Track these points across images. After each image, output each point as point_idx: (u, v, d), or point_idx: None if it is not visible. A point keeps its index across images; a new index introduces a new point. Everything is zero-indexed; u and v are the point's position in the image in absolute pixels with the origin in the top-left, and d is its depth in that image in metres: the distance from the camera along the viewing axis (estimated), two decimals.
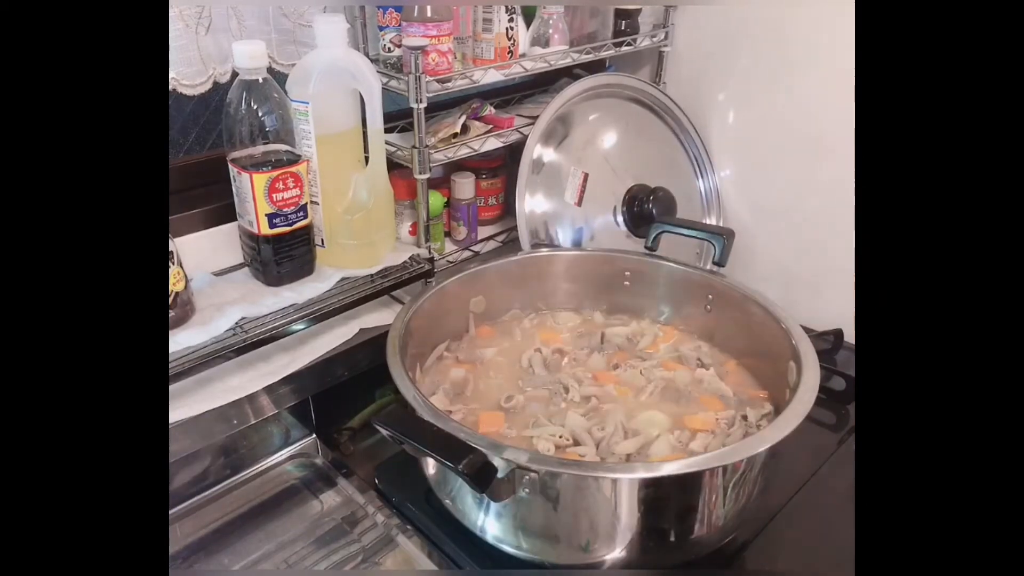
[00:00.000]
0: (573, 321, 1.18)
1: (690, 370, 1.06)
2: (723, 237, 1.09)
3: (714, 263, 1.09)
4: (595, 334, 1.14)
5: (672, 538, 0.81)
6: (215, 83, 1.10)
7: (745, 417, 0.96)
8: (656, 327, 1.17)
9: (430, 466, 0.89)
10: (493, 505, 0.80)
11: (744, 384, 1.04)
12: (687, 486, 0.79)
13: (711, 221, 1.48)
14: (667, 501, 0.79)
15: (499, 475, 0.74)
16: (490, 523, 0.84)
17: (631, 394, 1.01)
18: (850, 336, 1.28)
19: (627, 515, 0.78)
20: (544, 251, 1.22)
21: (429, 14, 1.09)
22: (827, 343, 1.27)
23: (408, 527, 0.97)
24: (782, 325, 0.97)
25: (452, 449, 0.73)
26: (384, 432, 0.77)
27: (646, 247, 1.16)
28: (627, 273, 1.18)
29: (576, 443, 0.91)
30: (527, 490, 0.76)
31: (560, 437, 0.91)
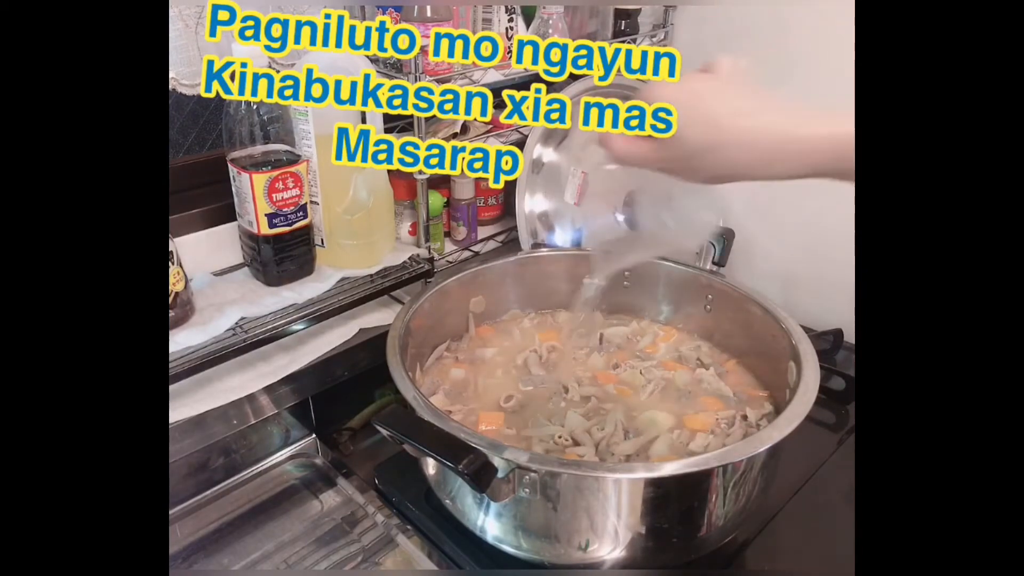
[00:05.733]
0: (573, 321, 1.18)
1: (690, 370, 1.06)
2: (723, 237, 1.08)
3: (714, 263, 1.09)
4: (595, 334, 1.14)
5: (672, 538, 0.82)
6: None
7: (745, 417, 0.96)
8: (656, 327, 1.17)
9: (430, 466, 0.89)
10: (493, 505, 0.80)
11: (744, 384, 1.04)
12: (687, 486, 0.79)
13: None
14: (667, 501, 0.79)
15: (499, 475, 0.74)
16: (490, 523, 0.84)
17: (631, 394, 1.01)
18: (850, 336, 1.28)
19: (627, 515, 0.78)
20: (544, 251, 1.22)
21: (429, 14, 1.09)
22: (827, 343, 1.27)
23: (408, 527, 0.97)
24: (782, 325, 0.97)
25: (452, 449, 0.73)
26: (384, 432, 0.77)
27: None
28: (626, 273, 1.17)
29: (576, 443, 0.91)
30: (527, 490, 0.76)
31: (560, 437, 0.91)
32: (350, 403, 1.15)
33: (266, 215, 1.01)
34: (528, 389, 1.02)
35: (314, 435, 1.14)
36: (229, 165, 1.01)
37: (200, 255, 1.08)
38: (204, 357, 0.95)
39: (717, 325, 1.12)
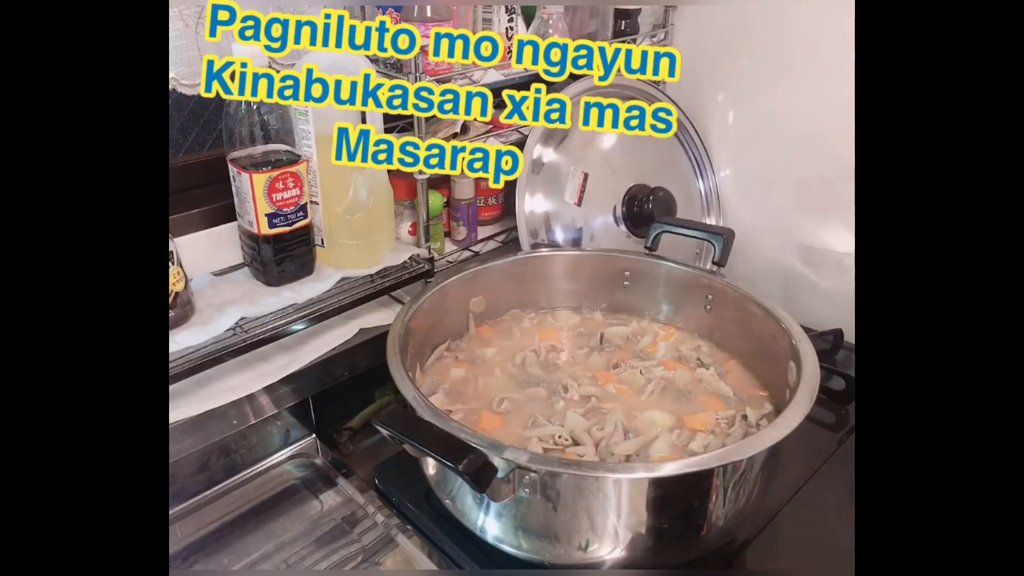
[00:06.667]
0: (573, 320, 1.18)
1: (690, 370, 1.06)
2: (723, 237, 1.09)
3: (714, 263, 1.09)
4: (595, 334, 1.14)
5: (672, 538, 0.81)
6: None
7: (745, 417, 0.96)
8: (656, 326, 1.17)
9: (430, 466, 0.89)
10: (493, 505, 0.80)
11: (744, 384, 1.04)
12: (687, 486, 0.79)
13: (711, 221, 1.48)
14: (667, 501, 0.79)
15: (499, 475, 0.74)
16: (490, 523, 0.84)
17: (631, 394, 1.01)
18: (850, 336, 1.28)
19: (627, 515, 0.78)
20: (544, 251, 1.22)
21: (429, 14, 1.09)
22: (827, 343, 1.27)
23: (408, 527, 0.97)
24: (782, 325, 0.97)
25: (452, 449, 0.73)
26: (384, 432, 0.77)
27: (646, 247, 1.15)
28: (627, 273, 1.17)
29: (576, 443, 0.91)
30: (527, 490, 0.76)
31: (560, 437, 0.90)
32: (350, 403, 1.15)
33: (266, 215, 1.01)
34: (528, 389, 1.02)
35: (314, 435, 1.13)
36: (229, 165, 1.01)
37: (200, 255, 1.08)
38: (204, 357, 0.94)
39: (717, 325, 1.12)
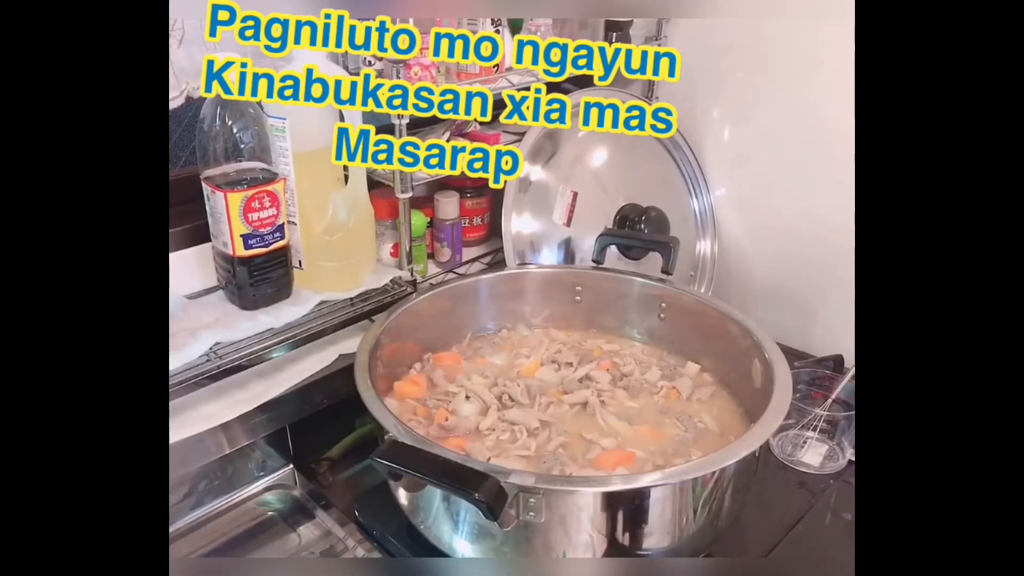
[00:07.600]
0: (534, 339, 1.19)
1: (653, 384, 1.08)
2: (668, 246, 1.11)
3: (663, 271, 1.12)
4: (554, 350, 1.14)
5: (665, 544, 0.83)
6: (188, 98, 1.07)
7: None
8: (607, 339, 1.18)
9: (402, 496, 0.88)
10: (469, 532, 0.81)
11: (720, 409, 1.04)
12: (688, 490, 0.80)
13: (706, 241, 1.47)
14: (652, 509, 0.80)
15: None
16: (469, 551, 0.84)
17: (584, 410, 1.01)
18: (850, 362, 1.25)
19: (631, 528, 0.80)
20: (524, 268, 1.23)
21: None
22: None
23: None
24: (743, 325, 1.01)
25: (465, 477, 0.72)
26: (381, 466, 0.75)
27: (593, 260, 1.17)
28: (578, 288, 1.19)
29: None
30: (532, 514, 0.75)
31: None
32: (329, 432, 1.13)
33: (242, 236, 0.98)
34: (499, 411, 1.01)
35: (291, 465, 1.11)
36: (203, 184, 0.98)
37: (173, 277, 1.04)
38: (177, 384, 0.92)
39: (673, 332, 1.14)
